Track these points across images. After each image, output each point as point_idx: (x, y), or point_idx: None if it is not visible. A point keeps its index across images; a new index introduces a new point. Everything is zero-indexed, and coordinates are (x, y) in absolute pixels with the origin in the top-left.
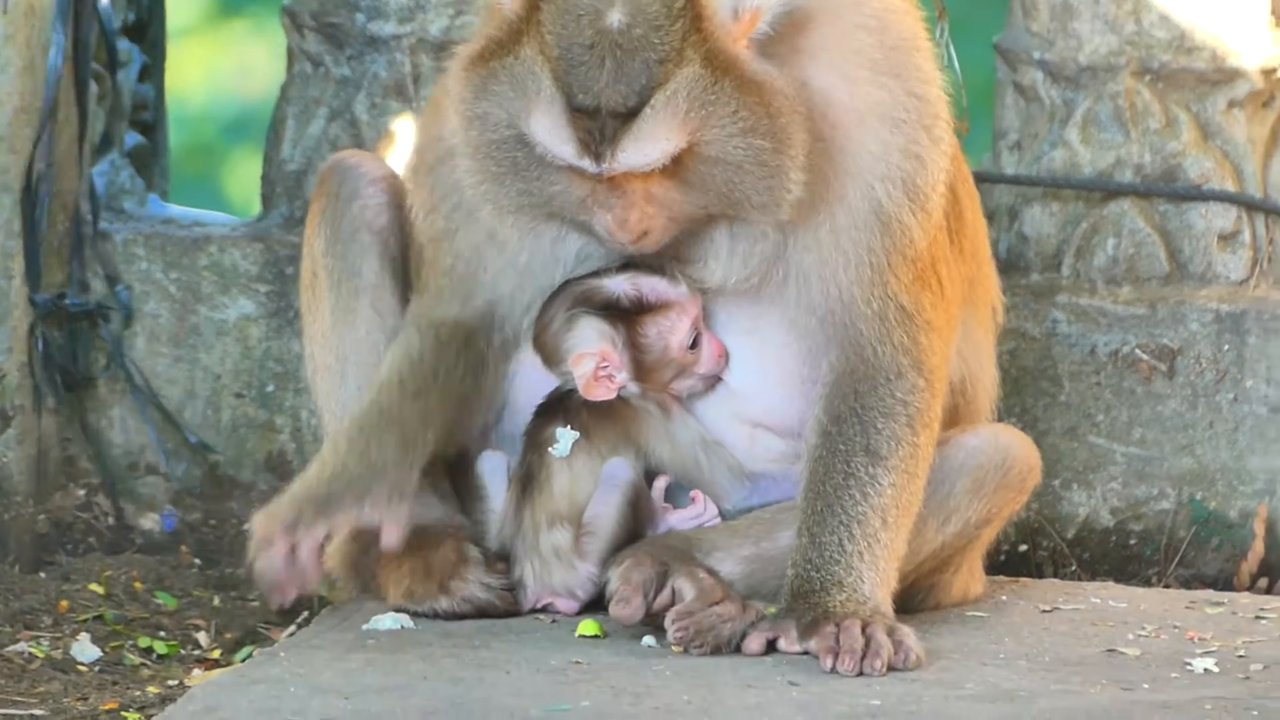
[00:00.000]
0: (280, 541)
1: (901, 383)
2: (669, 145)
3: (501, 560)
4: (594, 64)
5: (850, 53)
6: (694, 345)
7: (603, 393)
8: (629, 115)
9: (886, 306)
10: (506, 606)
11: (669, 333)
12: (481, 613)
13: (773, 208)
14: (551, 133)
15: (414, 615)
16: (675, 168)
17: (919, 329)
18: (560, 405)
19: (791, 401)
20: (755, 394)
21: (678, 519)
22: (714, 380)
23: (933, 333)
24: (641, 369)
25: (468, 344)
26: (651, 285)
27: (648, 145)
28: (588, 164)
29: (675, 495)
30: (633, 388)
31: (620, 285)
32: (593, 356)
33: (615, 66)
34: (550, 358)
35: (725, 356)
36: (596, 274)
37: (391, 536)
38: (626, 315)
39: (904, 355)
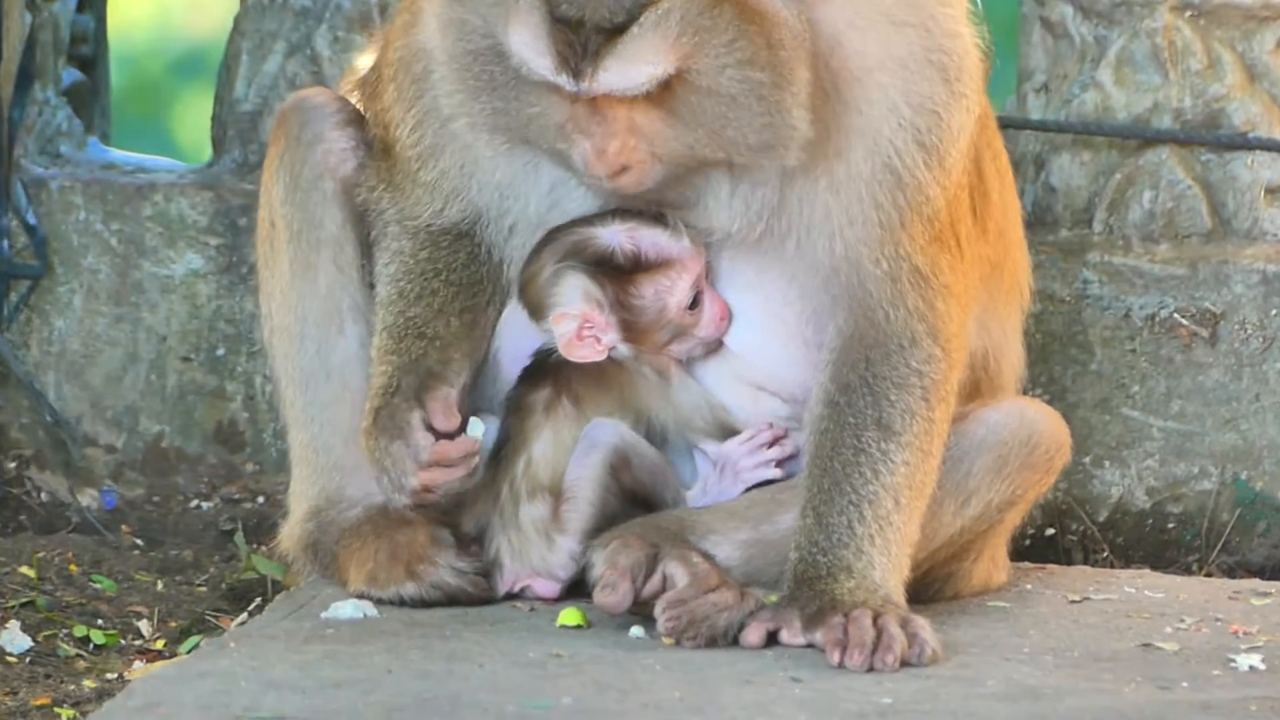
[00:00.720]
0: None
1: (916, 351)
2: (655, 69)
3: (476, 543)
4: None
5: None
6: (694, 305)
7: (587, 354)
8: (615, 31)
9: (899, 267)
10: (480, 593)
11: (667, 293)
12: (452, 600)
13: (774, 149)
14: (529, 44)
15: (378, 603)
16: (663, 96)
17: (935, 293)
18: (547, 367)
19: (797, 365)
20: (757, 356)
21: (734, 450)
22: (715, 344)
23: (950, 298)
24: (635, 330)
25: (462, 238)
26: (652, 240)
27: (632, 66)
28: (565, 80)
29: (681, 462)
30: (624, 349)
31: (616, 238)
32: (574, 318)
33: None
34: (535, 312)
35: (728, 318)
36: (591, 221)
37: (445, 422)
38: (620, 272)
39: (919, 321)
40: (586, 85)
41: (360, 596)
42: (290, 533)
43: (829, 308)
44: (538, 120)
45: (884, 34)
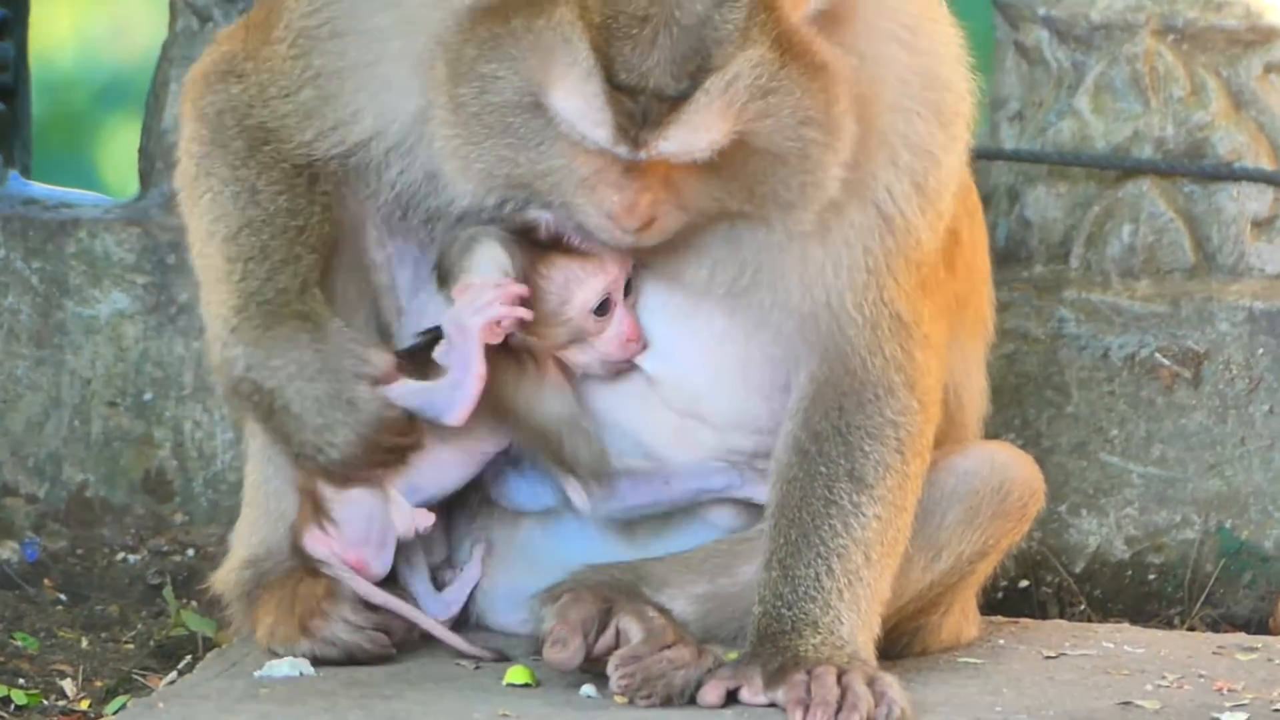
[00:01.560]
0: None
1: (893, 401)
2: (718, 136)
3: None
4: (644, 39)
5: (873, 23)
6: (603, 313)
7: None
8: (677, 99)
9: (880, 314)
10: (379, 650)
11: (577, 284)
12: (350, 657)
13: (798, 209)
14: (583, 112)
15: (314, 660)
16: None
17: (915, 343)
18: (431, 347)
19: (731, 397)
20: (681, 385)
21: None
22: (618, 366)
23: (929, 349)
24: (534, 318)
25: (316, 183)
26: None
27: (695, 135)
28: (623, 150)
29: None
30: (518, 335)
31: (546, 215)
32: (476, 289)
33: (669, 43)
34: (442, 279)
35: (638, 342)
36: None
37: None
38: (536, 248)
39: (896, 371)
40: (645, 154)
41: (271, 650)
42: (226, 577)
43: (803, 353)
44: (557, 173)
45: (891, 60)
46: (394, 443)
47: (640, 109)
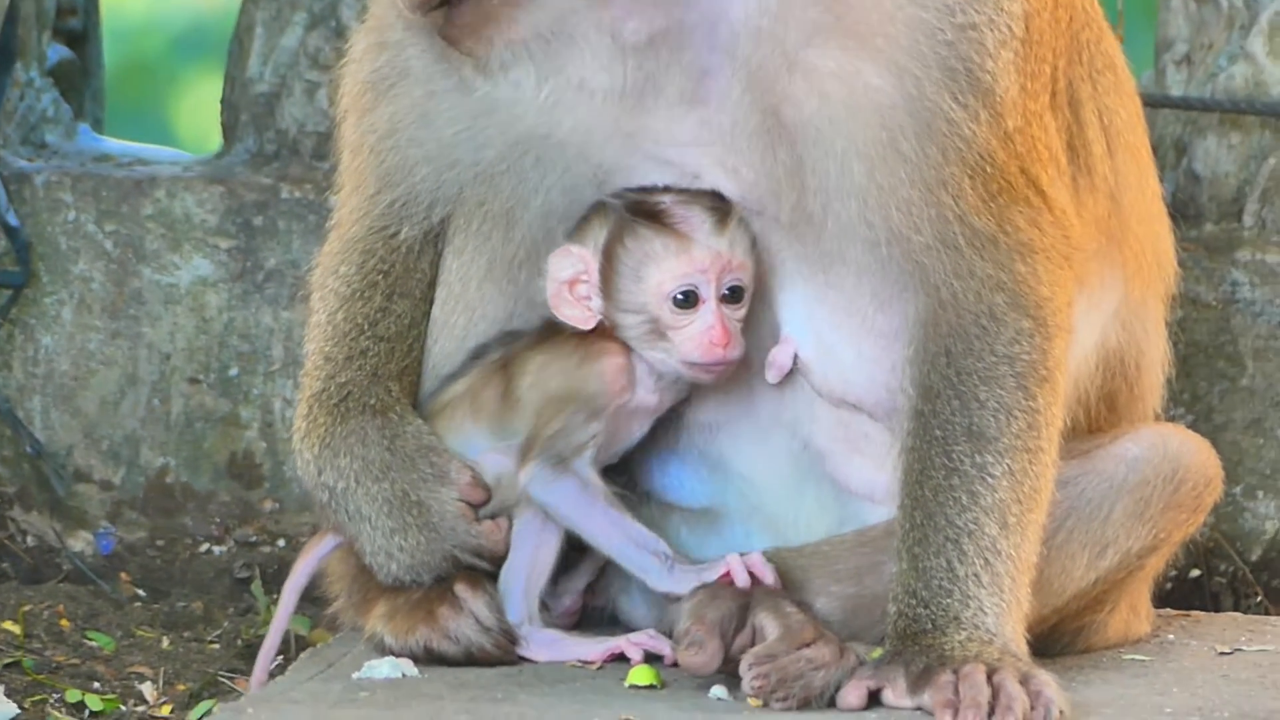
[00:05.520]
0: None
1: (1000, 330)
2: None
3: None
4: None
5: None
6: (686, 306)
7: (573, 316)
8: None
9: (950, 231)
10: (501, 655)
11: (651, 262)
12: (469, 658)
13: None
14: None
15: (417, 660)
16: None
17: (1012, 253)
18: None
19: (874, 364)
20: (829, 362)
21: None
22: (700, 374)
23: (1035, 256)
24: (610, 300)
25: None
26: (689, 214)
27: None
28: None
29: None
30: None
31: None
32: (576, 260)
33: None
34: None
35: (729, 350)
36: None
37: None
38: (639, 219)
39: (996, 291)
40: None
41: (376, 640)
42: (333, 569)
43: (894, 289)
44: None
45: None
46: (472, 562)
47: None
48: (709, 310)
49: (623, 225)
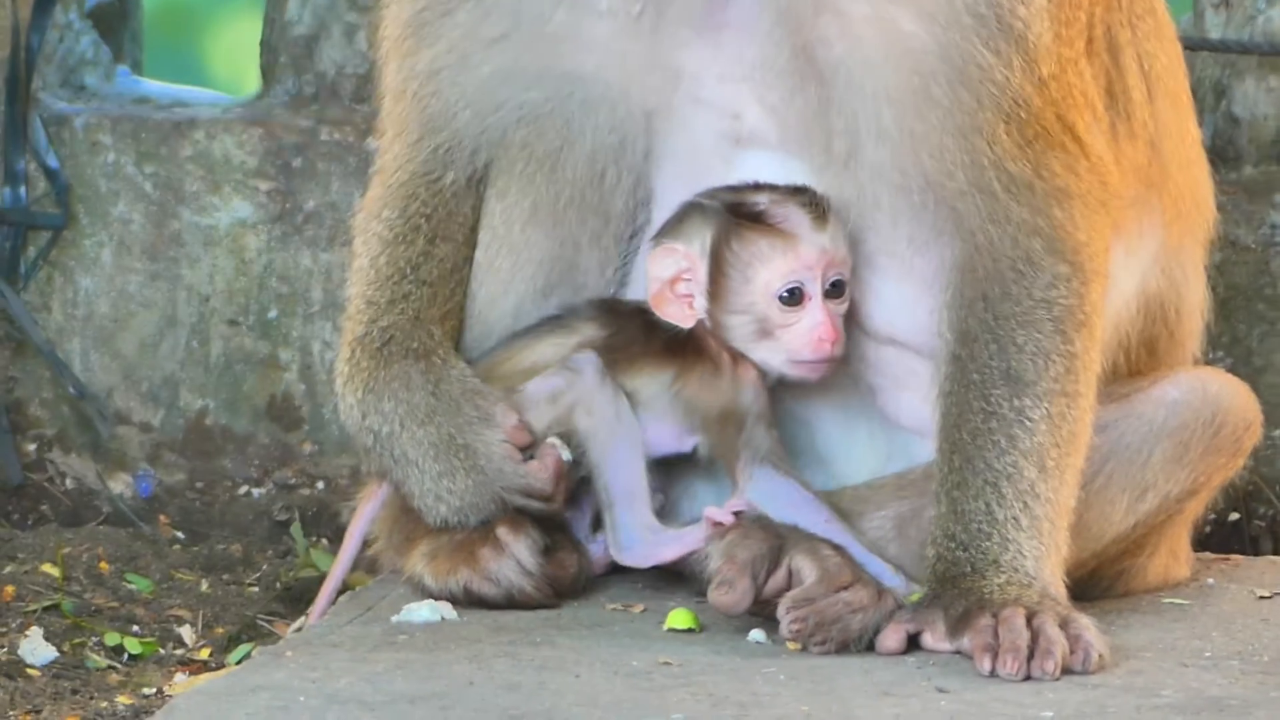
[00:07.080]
0: None
1: (1037, 274)
2: None
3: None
4: None
5: None
6: (793, 303)
7: (674, 315)
8: None
9: (985, 177)
10: (541, 599)
11: (760, 262)
12: (510, 600)
13: None
14: None
15: (456, 604)
16: None
17: (1049, 199)
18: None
19: (917, 304)
20: (874, 302)
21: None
22: (809, 371)
23: (1071, 201)
24: (717, 302)
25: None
26: (788, 213)
27: None
28: None
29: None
30: (707, 324)
31: (758, 195)
32: (679, 258)
33: None
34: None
35: (835, 344)
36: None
37: None
38: (740, 221)
39: (1032, 236)
40: None
41: (416, 580)
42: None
43: (930, 233)
44: None
45: None
46: (521, 503)
47: None
48: (816, 307)
49: (727, 227)
